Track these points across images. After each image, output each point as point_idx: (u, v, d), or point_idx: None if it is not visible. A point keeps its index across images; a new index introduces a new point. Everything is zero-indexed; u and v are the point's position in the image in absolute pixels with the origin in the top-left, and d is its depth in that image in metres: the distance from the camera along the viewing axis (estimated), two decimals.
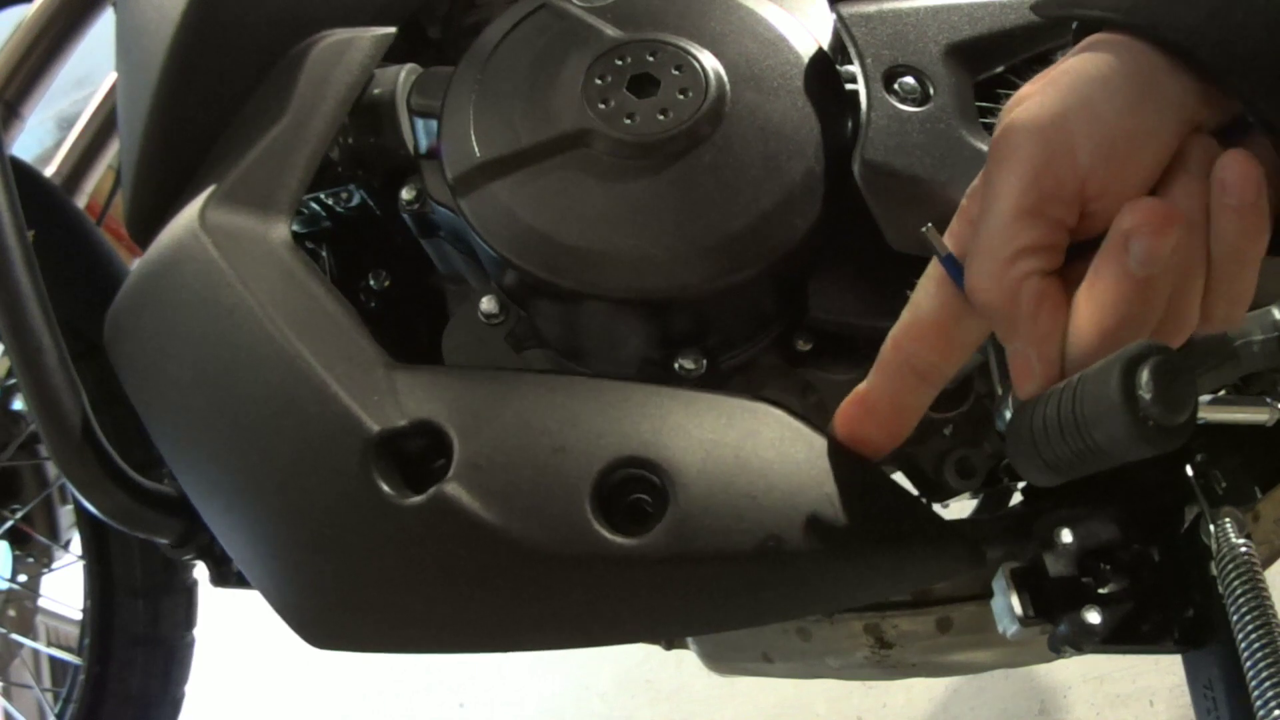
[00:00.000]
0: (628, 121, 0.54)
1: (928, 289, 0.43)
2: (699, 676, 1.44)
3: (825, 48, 0.58)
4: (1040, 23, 0.54)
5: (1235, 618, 0.46)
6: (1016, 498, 0.67)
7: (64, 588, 1.16)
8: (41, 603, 1.18)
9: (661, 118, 0.54)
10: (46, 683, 1.20)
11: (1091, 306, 0.37)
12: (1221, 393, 0.55)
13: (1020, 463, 0.41)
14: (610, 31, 0.57)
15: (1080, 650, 0.53)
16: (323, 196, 0.64)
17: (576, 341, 0.58)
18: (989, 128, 0.53)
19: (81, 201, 1.10)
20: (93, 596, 1.05)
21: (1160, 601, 0.53)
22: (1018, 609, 0.53)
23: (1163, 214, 0.36)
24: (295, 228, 0.60)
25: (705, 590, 0.47)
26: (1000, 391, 0.44)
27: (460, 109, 0.57)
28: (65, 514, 1.16)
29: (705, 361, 0.54)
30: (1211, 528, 0.50)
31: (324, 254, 0.67)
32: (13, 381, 1.05)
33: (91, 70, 1.17)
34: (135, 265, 0.58)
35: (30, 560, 1.16)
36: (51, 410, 0.64)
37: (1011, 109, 0.40)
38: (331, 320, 0.51)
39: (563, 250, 0.52)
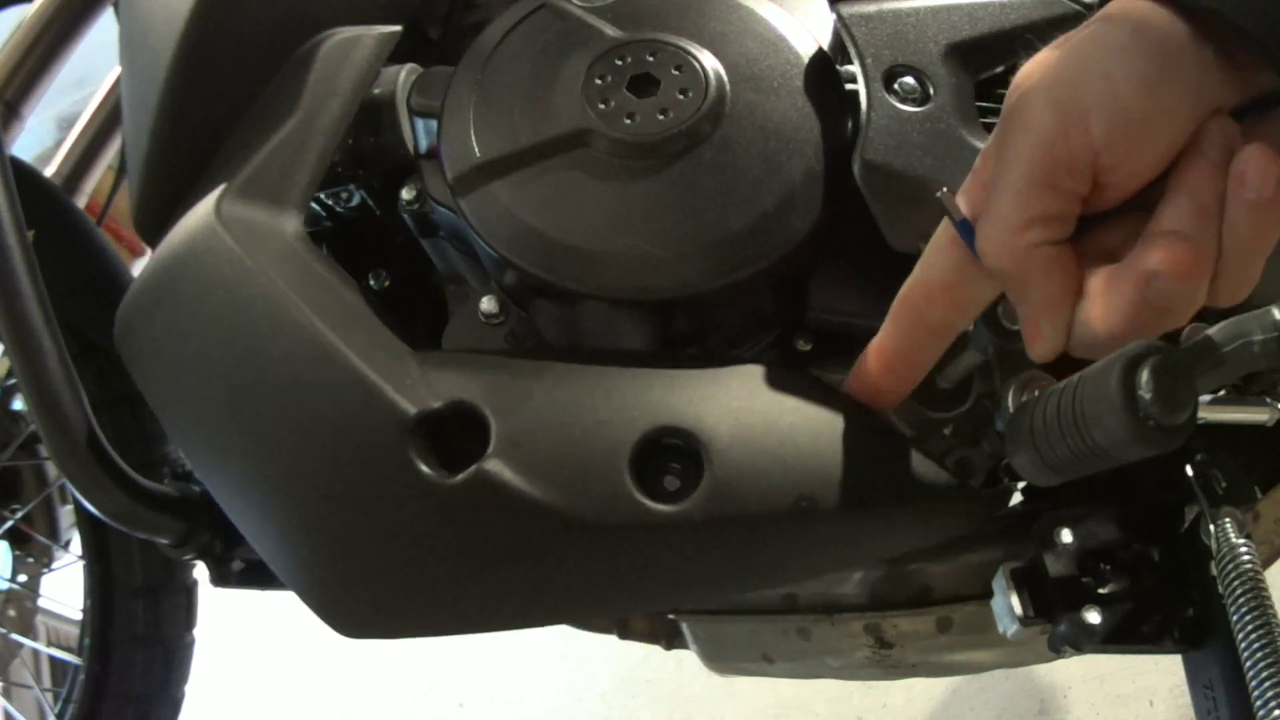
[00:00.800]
0: (628, 121, 0.54)
1: (939, 248, 0.43)
2: (699, 676, 1.44)
3: (825, 48, 0.58)
4: (1041, 22, 0.54)
5: (1235, 618, 0.46)
6: (1016, 498, 0.67)
7: (64, 588, 1.16)
8: (41, 603, 1.18)
9: (661, 118, 0.54)
10: (46, 683, 1.20)
11: (1104, 309, 0.37)
12: (1221, 393, 0.55)
13: (1020, 463, 0.41)
14: (610, 31, 0.57)
15: (1080, 650, 0.52)
16: (323, 196, 0.64)
17: (577, 341, 0.58)
18: (989, 128, 0.53)
19: (81, 201, 1.10)
20: (93, 596, 1.05)
21: (1160, 601, 0.53)
22: (1018, 609, 0.53)
23: (1190, 258, 0.36)
24: None
25: (744, 551, 0.48)
26: (1000, 391, 0.44)
27: (460, 109, 0.57)
28: (65, 514, 1.16)
29: None
30: (1211, 528, 0.50)
31: (324, 253, 0.67)
32: (13, 381, 1.05)
33: (91, 70, 1.17)
34: (147, 262, 0.58)
35: (30, 560, 1.16)
36: (52, 410, 0.64)
37: (1031, 72, 0.40)
38: (354, 309, 0.52)
39: (563, 250, 0.52)
